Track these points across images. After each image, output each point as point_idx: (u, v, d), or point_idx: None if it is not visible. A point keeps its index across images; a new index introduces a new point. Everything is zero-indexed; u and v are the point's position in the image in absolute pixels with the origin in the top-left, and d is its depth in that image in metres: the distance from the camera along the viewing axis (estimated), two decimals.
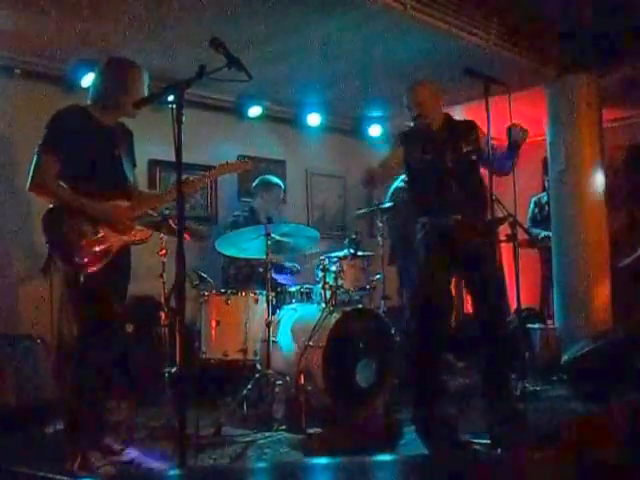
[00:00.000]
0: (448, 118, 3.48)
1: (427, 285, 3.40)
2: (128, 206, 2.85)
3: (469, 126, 3.39)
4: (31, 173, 2.72)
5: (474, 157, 3.30)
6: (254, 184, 4.69)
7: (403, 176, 4.91)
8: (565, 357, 4.45)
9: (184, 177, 2.67)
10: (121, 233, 2.81)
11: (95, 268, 2.69)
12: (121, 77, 2.84)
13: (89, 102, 2.87)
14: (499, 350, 3.38)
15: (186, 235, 3.40)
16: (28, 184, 2.73)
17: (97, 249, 2.72)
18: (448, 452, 2.97)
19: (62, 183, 2.72)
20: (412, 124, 3.46)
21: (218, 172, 3.25)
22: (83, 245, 2.69)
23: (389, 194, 4.99)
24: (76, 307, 2.75)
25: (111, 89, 2.83)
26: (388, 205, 4.38)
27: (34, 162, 2.72)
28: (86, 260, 2.68)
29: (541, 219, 5.38)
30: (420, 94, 3.36)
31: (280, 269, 4.51)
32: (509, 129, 3.20)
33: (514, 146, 3.23)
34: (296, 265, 4.61)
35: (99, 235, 2.74)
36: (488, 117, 3.22)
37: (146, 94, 2.90)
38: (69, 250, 2.67)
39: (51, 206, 2.74)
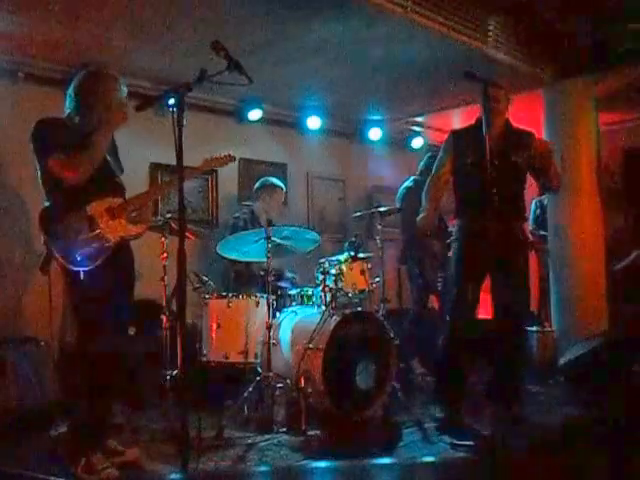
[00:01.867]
0: (508, 125, 3.47)
1: (458, 287, 3.42)
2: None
3: (525, 136, 3.38)
4: (43, 181, 2.72)
5: (520, 168, 3.33)
6: (256, 186, 4.69)
7: (413, 176, 4.98)
8: (562, 359, 4.47)
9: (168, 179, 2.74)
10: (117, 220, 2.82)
11: (93, 265, 2.69)
12: (97, 90, 2.83)
13: (67, 114, 2.86)
14: (516, 354, 3.40)
15: (188, 234, 3.44)
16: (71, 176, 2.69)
17: (94, 245, 2.72)
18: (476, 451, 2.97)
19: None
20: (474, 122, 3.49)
21: (203, 167, 3.29)
22: (80, 242, 2.69)
23: (399, 194, 5.02)
24: (76, 305, 2.75)
25: (89, 103, 2.82)
26: (385, 209, 4.39)
27: (41, 171, 2.71)
28: (84, 257, 2.68)
29: (543, 220, 5.40)
30: (498, 94, 3.36)
31: (280, 277, 4.52)
32: None
33: None
34: (296, 277, 4.63)
35: (96, 232, 2.74)
36: (487, 120, 3.25)
37: (125, 102, 2.91)
38: (67, 247, 2.67)
39: (47, 204, 2.74)
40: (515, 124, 3.49)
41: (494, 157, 3.24)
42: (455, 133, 3.60)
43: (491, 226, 3.23)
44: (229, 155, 3.37)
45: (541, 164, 3.33)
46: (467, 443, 3.08)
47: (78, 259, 2.67)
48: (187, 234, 3.09)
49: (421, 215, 3.63)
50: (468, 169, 3.39)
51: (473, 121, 3.50)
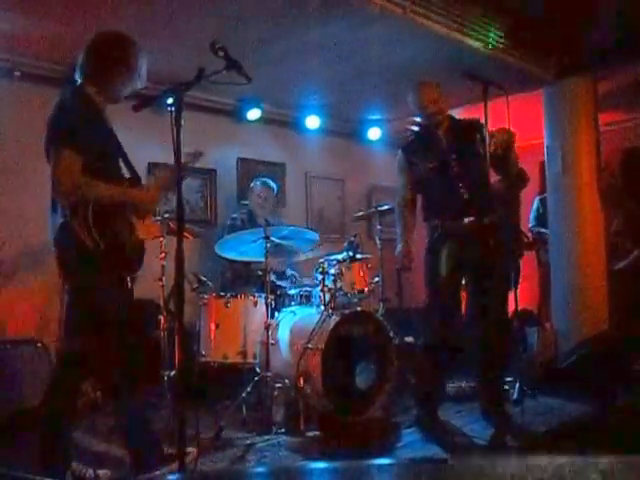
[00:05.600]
0: (452, 119, 3.50)
1: (438, 287, 3.41)
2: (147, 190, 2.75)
3: (473, 126, 3.38)
4: (57, 175, 2.38)
5: (475, 155, 3.29)
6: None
7: None
8: (563, 359, 4.46)
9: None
10: (145, 226, 2.75)
11: (140, 269, 2.68)
12: (125, 54, 2.60)
13: (82, 81, 2.60)
14: (496, 355, 3.39)
15: (187, 234, 3.42)
16: (60, 188, 2.40)
17: (137, 249, 2.69)
18: (451, 452, 2.98)
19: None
20: (414, 128, 3.50)
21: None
22: (132, 248, 2.64)
23: None
24: (116, 309, 2.59)
25: (115, 66, 2.58)
26: (386, 207, 4.38)
27: (55, 161, 2.39)
28: (135, 262, 2.66)
29: (545, 219, 5.38)
30: (433, 92, 3.39)
31: (281, 276, 4.51)
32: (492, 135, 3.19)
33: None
34: (296, 274, 4.62)
35: (138, 236, 2.70)
36: (486, 120, 3.24)
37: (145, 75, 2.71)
38: (122, 253, 2.57)
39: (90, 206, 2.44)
40: (459, 117, 3.51)
41: (452, 154, 3.31)
42: (404, 148, 3.63)
43: (468, 223, 3.28)
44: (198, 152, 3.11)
45: (495, 152, 3.26)
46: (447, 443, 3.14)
47: (133, 266, 2.64)
48: (185, 234, 3.08)
49: (399, 248, 3.57)
50: (430, 174, 3.41)
51: (418, 129, 3.57)
